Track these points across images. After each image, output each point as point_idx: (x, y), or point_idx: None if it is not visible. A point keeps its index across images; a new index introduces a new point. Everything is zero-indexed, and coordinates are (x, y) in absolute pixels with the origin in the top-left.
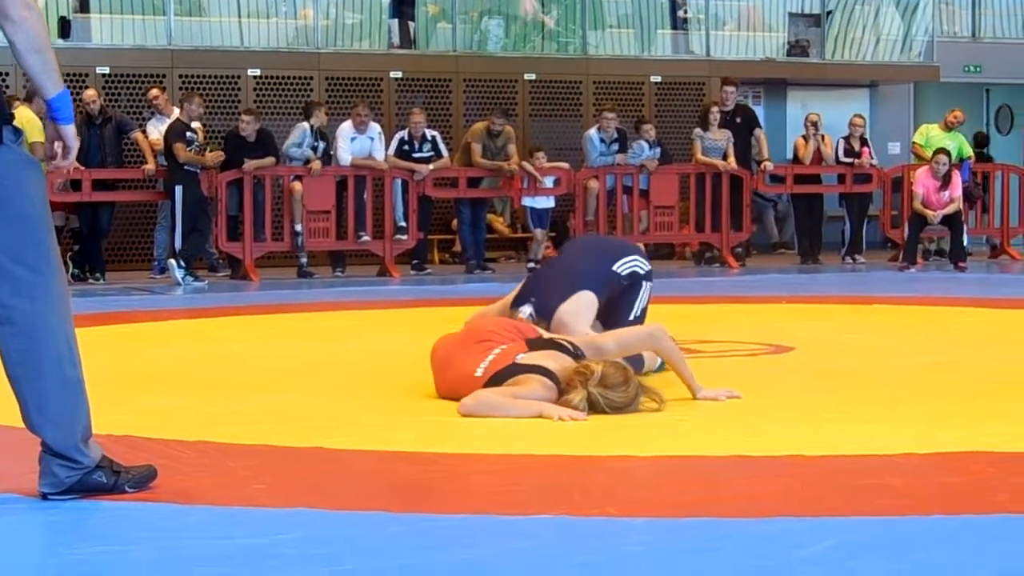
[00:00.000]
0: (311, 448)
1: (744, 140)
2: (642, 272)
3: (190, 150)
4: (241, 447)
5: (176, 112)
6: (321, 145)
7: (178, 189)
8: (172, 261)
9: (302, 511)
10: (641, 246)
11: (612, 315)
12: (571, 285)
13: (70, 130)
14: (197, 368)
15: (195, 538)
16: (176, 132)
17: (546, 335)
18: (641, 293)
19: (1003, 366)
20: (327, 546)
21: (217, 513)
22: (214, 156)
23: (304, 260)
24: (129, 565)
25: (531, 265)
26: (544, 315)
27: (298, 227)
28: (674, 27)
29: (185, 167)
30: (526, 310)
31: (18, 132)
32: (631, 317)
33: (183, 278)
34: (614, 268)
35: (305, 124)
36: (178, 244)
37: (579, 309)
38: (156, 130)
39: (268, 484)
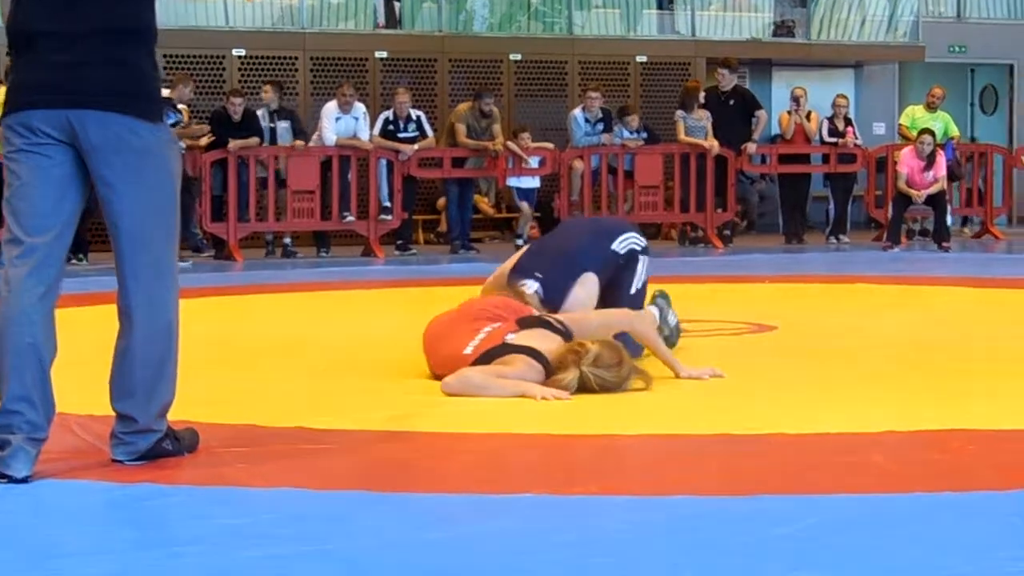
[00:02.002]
0: (294, 428)
1: (738, 122)
2: (639, 248)
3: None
4: (223, 427)
5: (164, 92)
6: (282, 124)
7: None
8: None
9: (284, 491)
10: (634, 224)
11: (612, 292)
12: (575, 264)
13: None
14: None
15: (176, 518)
16: None
17: (537, 313)
18: (639, 269)
19: (985, 345)
20: (309, 525)
21: (198, 493)
22: (199, 128)
23: (288, 240)
24: (110, 545)
25: (519, 243)
26: (553, 293)
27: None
28: (660, 7)
29: None
30: (532, 285)
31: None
32: (632, 292)
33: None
34: (612, 247)
35: (260, 111)
36: None
37: (587, 298)
38: None
39: (250, 464)
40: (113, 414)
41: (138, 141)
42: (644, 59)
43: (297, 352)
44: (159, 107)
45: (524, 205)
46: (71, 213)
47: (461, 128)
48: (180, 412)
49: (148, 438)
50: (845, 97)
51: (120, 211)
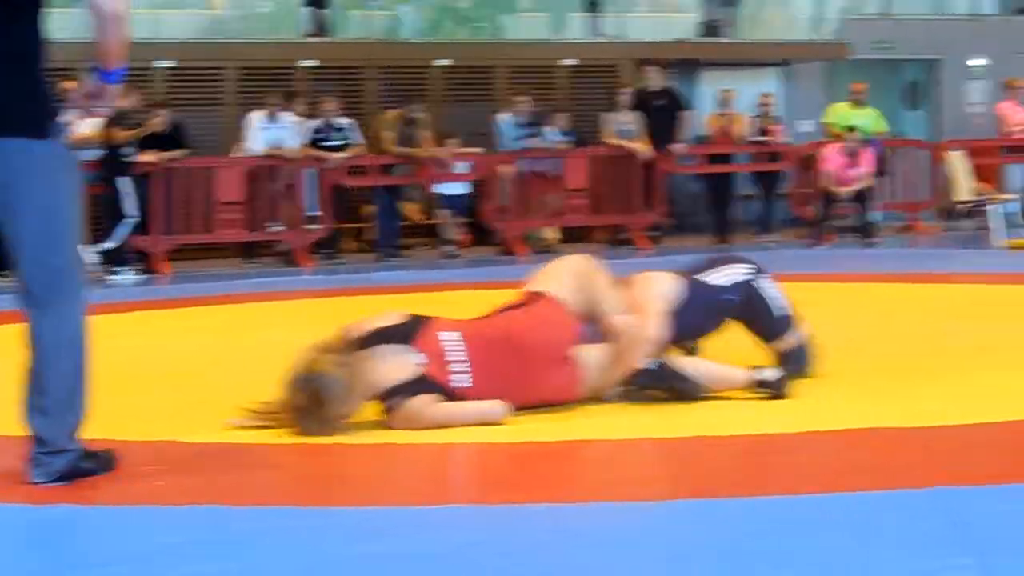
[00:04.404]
0: (218, 443)
1: (667, 122)
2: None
3: None
4: (145, 444)
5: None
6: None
7: (124, 180)
8: (116, 273)
9: (210, 508)
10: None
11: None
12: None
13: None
14: (102, 364)
15: (98, 539)
16: (113, 118)
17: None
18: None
19: (910, 341)
20: (237, 542)
21: (120, 513)
22: (158, 122)
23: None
24: (28, 569)
25: (449, 250)
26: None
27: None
28: (587, 10)
29: (124, 159)
30: None
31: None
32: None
33: (123, 276)
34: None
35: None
36: (119, 236)
37: None
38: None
39: (173, 481)
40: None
41: (34, 161)
42: (572, 62)
43: (221, 365)
44: (55, 125)
45: (444, 213)
46: None
47: (388, 136)
48: (100, 430)
49: (64, 458)
50: (770, 95)
51: (21, 232)
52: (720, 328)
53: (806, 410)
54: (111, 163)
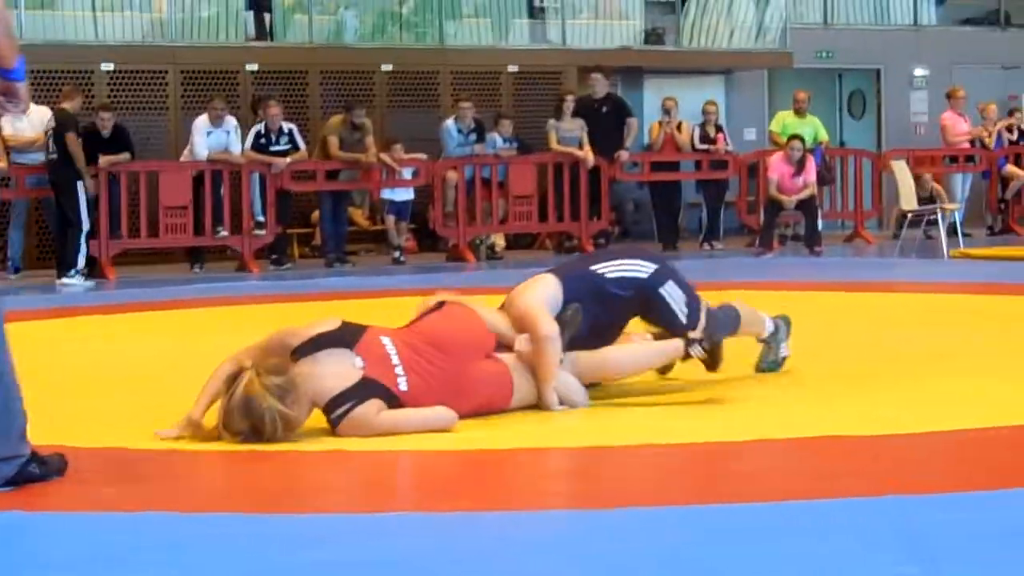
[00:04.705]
0: (165, 450)
1: (611, 129)
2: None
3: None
4: (93, 450)
5: (32, 107)
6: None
7: (79, 184)
8: (70, 278)
9: (157, 514)
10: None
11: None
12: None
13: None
14: (47, 370)
15: (46, 545)
16: (69, 122)
17: None
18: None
19: (855, 350)
20: (184, 549)
21: (68, 519)
22: (108, 161)
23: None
24: None
25: (396, 255)
26: None
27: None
28: (531, 16)
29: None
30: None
31: None
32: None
33: (77, 280)
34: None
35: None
36: (81, 249)
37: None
38: (11, 126)
39: (121, 487)
40: None
41: None
42: (515, 68)
43: (170, 371)
44: None
45: (390, 218)
46: None
47: (333, 141)
48: (48, 436)
49: (12, 464)
50: (715, 103)
51: None
52: (622, 317)
53: (754, 418)
54: (66, 168)
